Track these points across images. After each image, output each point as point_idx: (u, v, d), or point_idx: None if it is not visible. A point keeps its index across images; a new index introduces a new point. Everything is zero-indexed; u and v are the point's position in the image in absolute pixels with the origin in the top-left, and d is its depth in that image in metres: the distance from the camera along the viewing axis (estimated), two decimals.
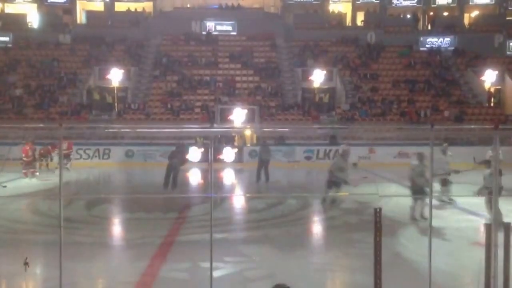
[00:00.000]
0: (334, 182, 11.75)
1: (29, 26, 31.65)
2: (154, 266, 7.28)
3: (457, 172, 12.04)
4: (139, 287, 6.63)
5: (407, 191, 12.16)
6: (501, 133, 5.77)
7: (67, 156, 19.14)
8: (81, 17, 34.13)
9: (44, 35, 29.59)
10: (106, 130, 21.37)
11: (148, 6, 34.77)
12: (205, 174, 17.28)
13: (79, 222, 10.27)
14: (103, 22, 31.38)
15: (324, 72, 26.22)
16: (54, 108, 24.67)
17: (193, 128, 20.07)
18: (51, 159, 19.07)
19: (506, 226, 4.86)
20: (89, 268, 7.37)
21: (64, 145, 19.15)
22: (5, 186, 14.72)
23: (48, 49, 28.70)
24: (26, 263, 4.84)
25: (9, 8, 33.92)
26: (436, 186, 12.50)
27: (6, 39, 29.10)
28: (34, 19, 32.51)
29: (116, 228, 10.92)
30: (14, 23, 30.47)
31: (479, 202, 11.93)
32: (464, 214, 11.42)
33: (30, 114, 24.09)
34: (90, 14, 33.17)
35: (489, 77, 26.27)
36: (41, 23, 31.65)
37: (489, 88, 26.75)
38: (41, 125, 20.71)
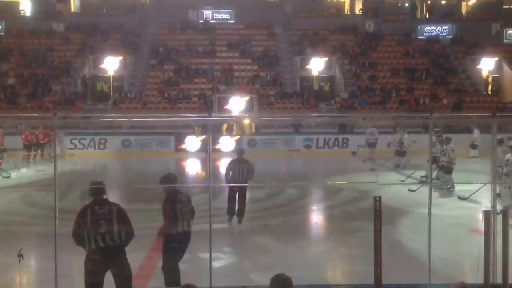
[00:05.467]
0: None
1: (21, 14, 31.14)
2: (153, 258, 7.16)
3: None
4: (137, 280, 6.53)
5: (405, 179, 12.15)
6: (499, 121, 5.72)
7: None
8: (75, 5, 33.60)
9: (37, 23, 29.13)
10: (101, 120, 21.15)
11: None
12: (204, 164, 17.19)
13: (75, 213, 10.13)
14: (98, 10, 30.94)
15: (323, 60, 26.06)
16: (48, 98, 24.40)
17: (191, 117, 19.89)
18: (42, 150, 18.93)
19: (504, 213, 4.81)
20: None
21: None
22: (8, 176, 14.69)
23: (41, 37, 28.31)
24: (20, 255, 4.74)
25: None
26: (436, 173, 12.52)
27: None
28: (26, 7, 31.98)
29: None
30: (6, 11, 29.99)
31: (477, 189, 11.93)
32: (463, 202, 11.40)
33: (23, 103, 23.85)
34: (84, 2, 32.67)
35: (487, 65, 26.22)
36: (34, 11, 31.17)
37: (487, 76, 26.71)
38: (35, 114, 20.43)
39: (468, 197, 11.32)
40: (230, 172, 9.51)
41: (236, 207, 9.48)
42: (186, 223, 5.82)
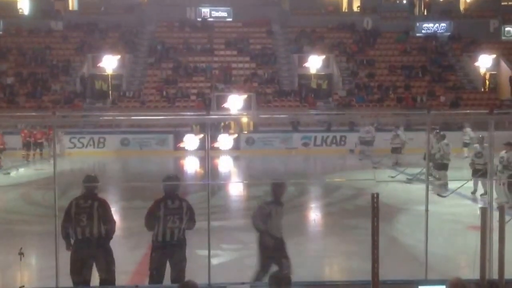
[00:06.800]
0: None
1: (20, 13, 31.08)
2: None
3: None
4: (136, 276, 6.62)
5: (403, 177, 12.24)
6: (496, 118, 5.77)
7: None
8: (73, 4, 33.54)
9: (36, 22, 29.12)
10: (100, 118, 21.20)
11: None
12: (203, 162, 17.20)
13: None
14: (96, 9, 30.91)
15: (321, 58, 26.11)
16: (47, 97, 24.43)
17: (189, 116, 19.92)
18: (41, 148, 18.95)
19: (500, 209, 4.86)
20: None
21: None
22: (8, 173, 14.73)
23: (40, 36, 28.30)
24: (21, 253, 4.78)
25: None
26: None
27: None
28: (25, 5, 31.90)
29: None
30: (4, 9, 29.91)
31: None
32: (460, 199, 11.48)
33: (22, 102, 23.87)
34: (82, 0, 32.63)
35: (484, 62, 26.27)
36: (32, 10, 31.11)
37: (484, 74, 26.78)
38: (33, 113, 20.45)
39: (448, 195, 11.40)
40: (268, 222, 5.80)
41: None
42: (168, 232, 5.30)
